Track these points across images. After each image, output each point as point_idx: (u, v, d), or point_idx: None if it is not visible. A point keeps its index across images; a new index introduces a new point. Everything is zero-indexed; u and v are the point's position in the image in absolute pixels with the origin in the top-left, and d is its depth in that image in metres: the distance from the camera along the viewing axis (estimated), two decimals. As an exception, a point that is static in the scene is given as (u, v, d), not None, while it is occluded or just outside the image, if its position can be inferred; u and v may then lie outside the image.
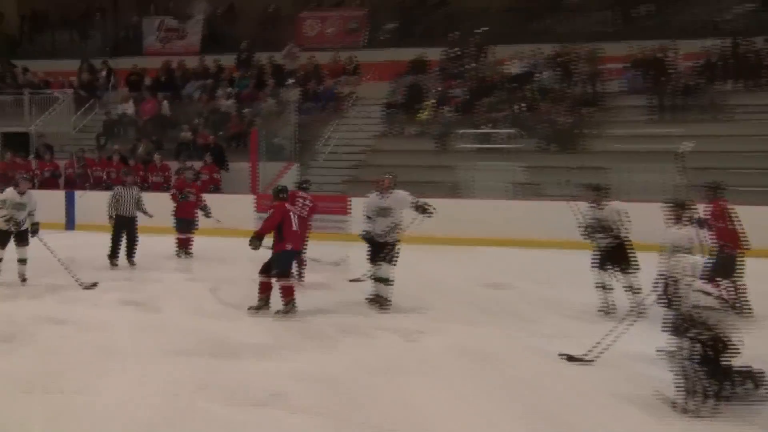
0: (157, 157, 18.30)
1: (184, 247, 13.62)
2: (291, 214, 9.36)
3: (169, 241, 13.60)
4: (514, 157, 16.75)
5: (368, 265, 9.72)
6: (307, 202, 11.22)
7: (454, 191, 16.15)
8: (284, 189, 9.79)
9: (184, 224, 13.69)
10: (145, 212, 12.66)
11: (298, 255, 9.77)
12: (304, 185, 11.66)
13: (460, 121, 18.48)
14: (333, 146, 19.23)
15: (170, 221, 13.78)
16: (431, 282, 11.25)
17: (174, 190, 13.78)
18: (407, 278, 9.99)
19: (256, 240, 9.09)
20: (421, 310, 9.62)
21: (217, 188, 17.24)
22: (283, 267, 9.28)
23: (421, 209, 9.62)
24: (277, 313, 9.21)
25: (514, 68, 19.34)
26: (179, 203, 13.56)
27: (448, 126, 18.47)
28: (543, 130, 17.60)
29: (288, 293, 9.25)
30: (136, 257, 12.65)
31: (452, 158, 17.25)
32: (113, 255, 12.43)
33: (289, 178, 16.36)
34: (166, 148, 19.60)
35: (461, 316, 9.41)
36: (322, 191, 16.30)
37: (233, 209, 15.35)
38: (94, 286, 10.77)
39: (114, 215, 12.40)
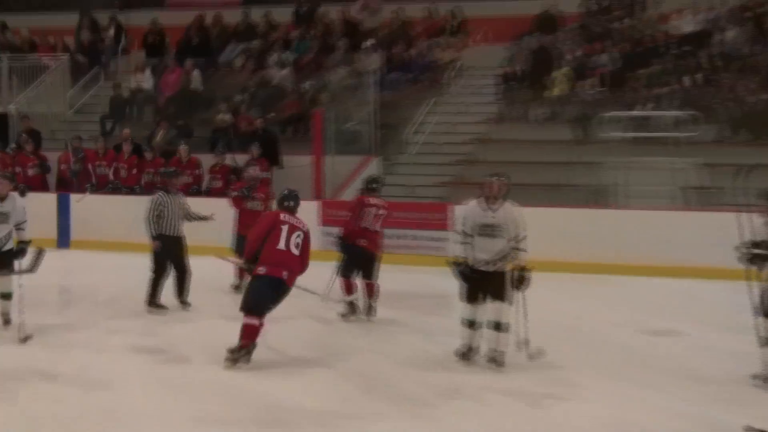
0: (183, 148, 18.47)
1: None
2: (283, 227, 9.59)
3: (203, 265, 12.97)
4: (685, 150, 16.85)
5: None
6: (381, 212, 11.64)
7: (598, 198, 16.50)
8: (293, 197, 10.00)
9: None
10: (200, 218, 12.59)
11: (279, 287, 9.67)
12: (374, 185, 11.94)
13: (607, 100, 18.70)
14: (428, 134, 19.35)
15: (220, 237, 13.92)
16: (564, 326, 11.39)
17: (236, 192, 13.61)
18: (530, 321, 9.74)
19: (247, 265, 9.67)
20: (552, 367, 9.59)
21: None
22: (248, 299, 9.59)
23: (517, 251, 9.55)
24: (228, 359, 9.41)
25: (686, 25, 19.38)
26: (244, 210, 13.31)
27: (589, 106, 18.69)
28: (727, 113, 17.68)
29: (246, 335, 9.44)
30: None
31: (596, 152, 17.35)
32: (154, 294, 12.13)
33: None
34: (197, 135, 20.04)
35: (609, 375, 9.42)
36: (412, 197, 16.85)
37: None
38: (28, 338, 10.44)
39: (156, 234, 12.11)
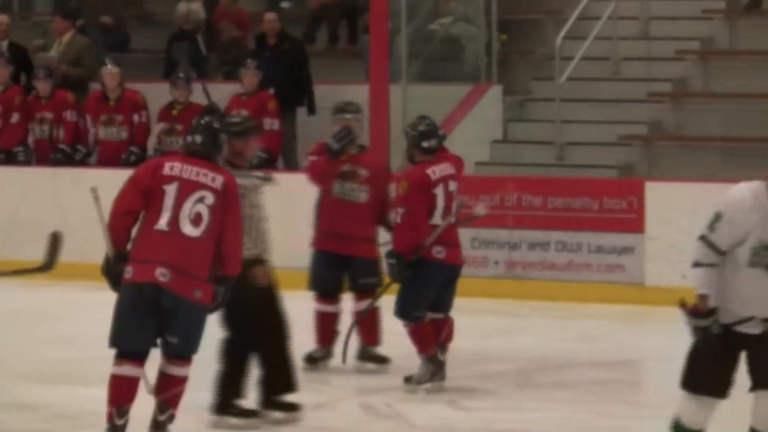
0: (110, 71, 13.91)
1: (365, 337, 10.00)
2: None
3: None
4: None
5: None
6: (452, 184, 9.07)
7: None
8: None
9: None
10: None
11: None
12: (430, 141, 9.04)
13: None
14: (594, 43, 14.35)
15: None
16: None
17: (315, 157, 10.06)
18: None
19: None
20: None
21: (270, 158, 13.41)
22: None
23: None
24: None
25: None
26: (330, 203, 9.90)
27: None
28: None
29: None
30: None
31: None
32: (237, 391, 8.75)
33: (481, 131, 14.02)
34: (137, 47, 16.32)
35: None
36: (563, 165, 13.92)
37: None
38: None
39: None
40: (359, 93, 12.66)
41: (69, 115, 13.88)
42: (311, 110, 13.94)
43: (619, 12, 14.50)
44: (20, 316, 11.12)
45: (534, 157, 14.03)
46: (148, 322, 7.24)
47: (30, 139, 13.56)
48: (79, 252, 11.40)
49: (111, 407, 7.38)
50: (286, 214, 11.16)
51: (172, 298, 7.21)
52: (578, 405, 8.27)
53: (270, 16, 14.46)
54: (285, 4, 15.48)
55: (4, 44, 14.97)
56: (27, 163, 13.43)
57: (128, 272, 7.25)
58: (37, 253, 8.90)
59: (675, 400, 7.89)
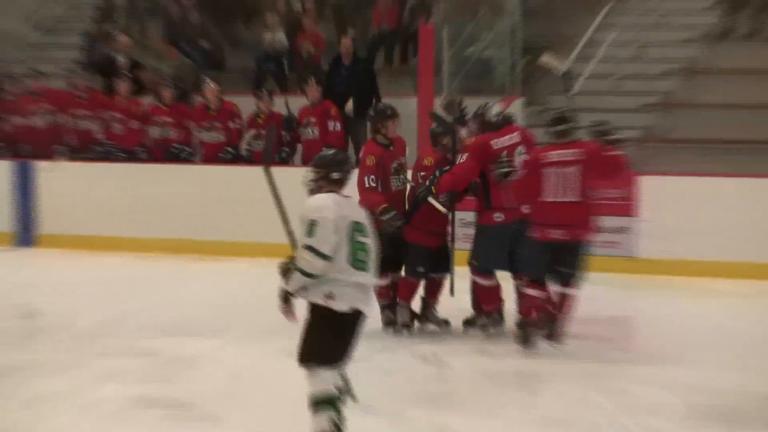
0: (210, 86, 13.56)
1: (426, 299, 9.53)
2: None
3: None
4: None
5: None
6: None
7: None
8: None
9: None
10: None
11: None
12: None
13: None
14: (602, 62, 14.89)
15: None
16: None
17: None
18: None
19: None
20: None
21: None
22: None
23: None
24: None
25: None
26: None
27: None
28: None
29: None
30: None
31: None
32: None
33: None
34: (230, 66, 16.05)
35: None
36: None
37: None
38: None
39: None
40: (410, 104, 13.28)
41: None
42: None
43: (618, 39, 15.30)
44: (137, 283, 11.51)
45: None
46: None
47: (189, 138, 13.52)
48: (185, 229, 12.68)
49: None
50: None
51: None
52: (583, 352, 8.37)
53: (346, 41, 14.49)
54: (350, 32, 15.36)
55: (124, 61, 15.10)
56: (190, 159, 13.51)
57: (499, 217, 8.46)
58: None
59: (658, 351, 8.45)
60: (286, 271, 5.70)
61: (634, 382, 7.58)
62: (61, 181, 13.88)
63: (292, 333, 6.32)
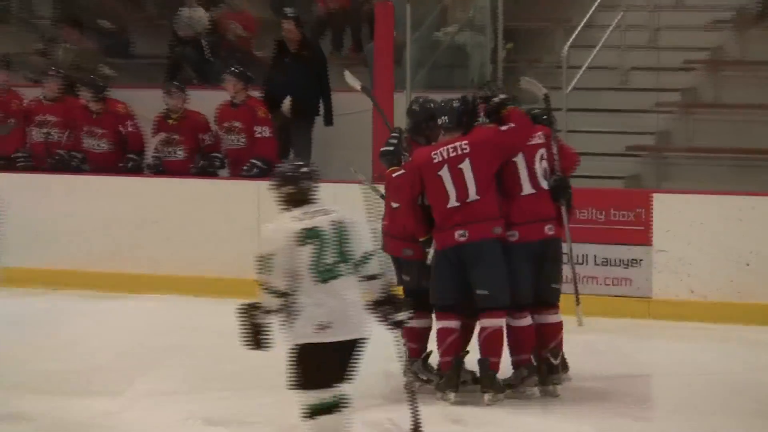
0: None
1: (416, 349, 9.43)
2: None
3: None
4: None
5: None
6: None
7: None
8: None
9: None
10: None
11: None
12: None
13: None
14: (601, 52, 14.29)
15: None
16: None
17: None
18: None
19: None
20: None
21: (269, 167, 12.46)
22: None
23: None
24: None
25: None
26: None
27: None
28: None
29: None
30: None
31: None
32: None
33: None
34: (138, 53, 16.39)
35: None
36: (571, 175, 11.47)
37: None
38: None
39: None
40: (363, 101, 12.03)
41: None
42: (329, 121, 13.95)
43: (628, 21, 14.61)
44: (18, 324, 11.12)
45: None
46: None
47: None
48: (71, 259, 12.40)
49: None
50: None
51: None
52: (583, 418, 8.22)
53: (288, 24, 14.13)
54: (289, 11, 14.61)
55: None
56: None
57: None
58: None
59: (680, 414, 8.26)
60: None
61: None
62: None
63: (208, 392, 6.46)
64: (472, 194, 8.10)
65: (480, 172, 8.21)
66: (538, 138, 8.75)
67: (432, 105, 9.10)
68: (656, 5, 15.17)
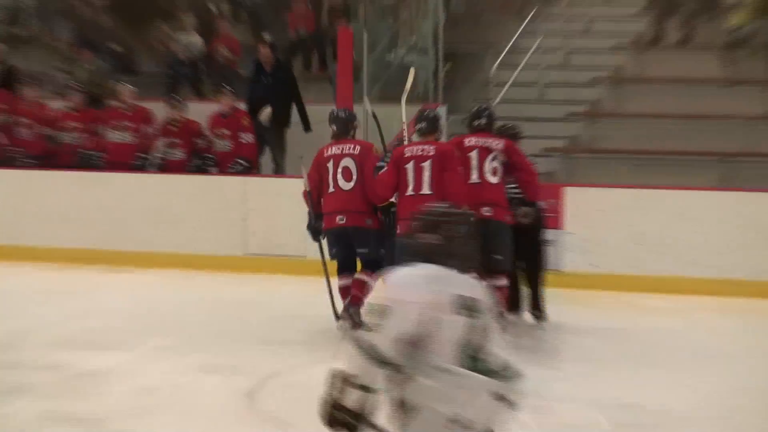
0: (124, 88, 13.62)
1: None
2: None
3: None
4: None
5: None
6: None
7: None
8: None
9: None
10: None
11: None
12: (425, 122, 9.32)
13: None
14: (526, 69, 15.01)
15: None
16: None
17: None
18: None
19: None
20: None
21: (250, 165, 13.13)
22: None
23: None
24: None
25: None
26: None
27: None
28: None
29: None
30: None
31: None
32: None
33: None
34: (145, 70, 15.94)
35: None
36: None
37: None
38: None
39: None
40: (328, 111, 12.87)
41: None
42: (307, 127, 13.82)
43: (545, 45, 15.41)
44: (48, 293, 11.26)
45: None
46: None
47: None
48: (96, 240, 12.45)
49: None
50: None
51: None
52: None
53: (264, 48, 14.22)
54: (267, 36, 15.06)
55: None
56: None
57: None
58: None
59: (584, 369, 8.26)
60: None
61: (560, 400, 7.48)
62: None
63: (207, 348, 6.31)
64: (426, 189, 8.40)
65: (435, 172, 8.47)
66: (496, 144, 9.05)
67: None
68: (568, 32, 16.05)
